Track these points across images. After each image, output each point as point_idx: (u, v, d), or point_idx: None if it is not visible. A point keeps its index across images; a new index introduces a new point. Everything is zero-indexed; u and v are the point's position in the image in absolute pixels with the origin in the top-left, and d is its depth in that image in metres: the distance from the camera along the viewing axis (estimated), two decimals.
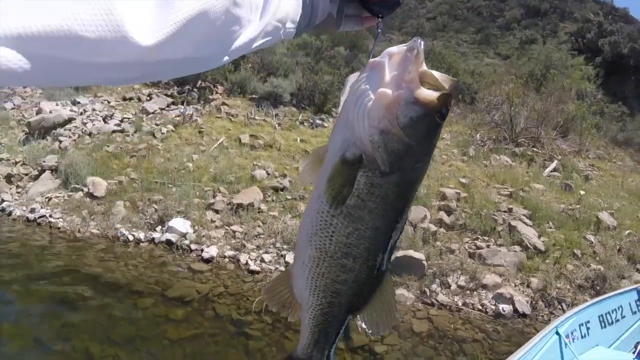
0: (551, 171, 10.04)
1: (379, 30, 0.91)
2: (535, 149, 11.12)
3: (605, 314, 3.73)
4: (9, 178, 8.01)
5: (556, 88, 13.33)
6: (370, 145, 0.71)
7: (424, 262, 5.35)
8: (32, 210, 7.07)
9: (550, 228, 6.73)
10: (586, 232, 6.72)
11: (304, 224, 0.82)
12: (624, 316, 3.88)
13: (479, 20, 39.30)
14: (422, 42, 0.71)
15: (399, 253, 5.40)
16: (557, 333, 3.26)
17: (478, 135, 11.38)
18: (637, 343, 3.56)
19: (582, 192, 8.33)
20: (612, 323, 3.76)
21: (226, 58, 0.63)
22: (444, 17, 40.28)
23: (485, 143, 11.06)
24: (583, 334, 3.49)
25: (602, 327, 3.67)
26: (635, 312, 4.01)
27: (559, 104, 12.25)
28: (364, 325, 0.88)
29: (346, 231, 0.78)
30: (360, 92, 0.73)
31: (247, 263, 5.71)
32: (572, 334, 3.38)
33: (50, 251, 6.05)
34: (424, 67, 0.71)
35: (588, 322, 3.57)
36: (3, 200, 7.48)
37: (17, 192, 7.77)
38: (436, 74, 0.72)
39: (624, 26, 27.29)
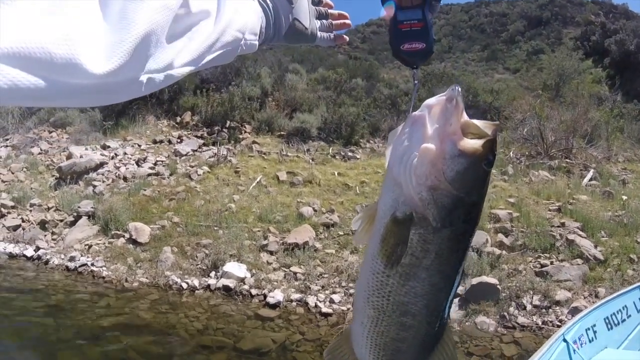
0: (589, 180, 9.94)
1: (416, 82, 0.92)
2: (568, 160, 11.03)
3: (611, 315, 3.71)
4: (43, 224, 7.70)
5: (579, 96, 13.30)
6: (419, 202, 0.71)
7: (498, 286, 5.30)
8: (72, 259, 6.69)
9: (604, 237, 6.71)
10: (636, 235, 6.72)
11: (360, 284, 0.83)
12: (630, 315, 3.84)
13: (484, 37, 39.72)
14: (460, 90, 0.71)
15: (474, 281, 5.33)
16: (565, 340, 3.25)
17: (511, 153, 11.32)
18: None
19: (624, 197, 8.30)
20: (619, 324, 3.73)
21: (185, 69, 0.62)
22: (448, 38, 40.87)
23: (521, 160, 11.00)
24: (590, 338, 3.46)
25: (608, 329, 3.64)
26: None
27: (586, 112, 12.22)
28: None
29: (403, 290, 0.77)
30: (404, 149, 0.73)
31: (316, 305, 5.52)
32: (579, 339, 3.36)
33: (98, 304, 5.61)
34: (465, 116, 0.71)
35: (594, 325, 3.54)
36: (39, 248, 7.12)
37: (53, 239, 7.42)
38: (478, 122, 0.72)
39: (626, 23, 27.27)
